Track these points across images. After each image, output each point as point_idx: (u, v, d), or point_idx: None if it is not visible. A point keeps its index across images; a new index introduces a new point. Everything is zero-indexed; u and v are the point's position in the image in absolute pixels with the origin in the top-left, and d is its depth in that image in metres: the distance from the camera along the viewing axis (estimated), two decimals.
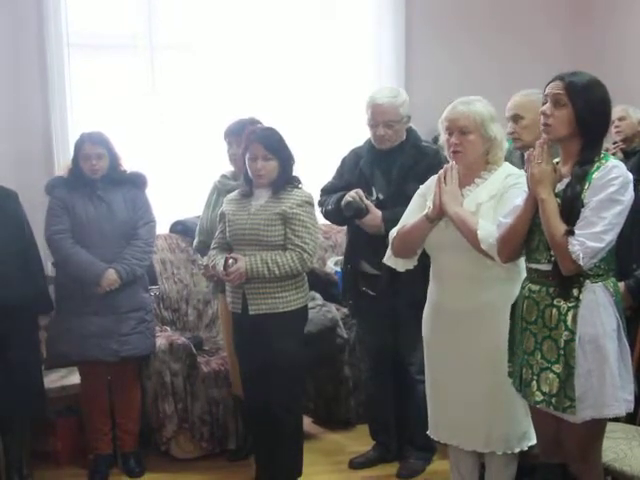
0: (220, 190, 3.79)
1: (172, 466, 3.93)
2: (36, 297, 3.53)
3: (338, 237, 4.82)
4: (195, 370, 3.96)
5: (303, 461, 3.51)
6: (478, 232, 2.73)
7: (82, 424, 3.94)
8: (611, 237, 2.34)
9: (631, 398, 2.43)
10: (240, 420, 4.03)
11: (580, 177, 2.39)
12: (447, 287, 2.95)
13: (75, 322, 3.64)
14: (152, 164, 4.54)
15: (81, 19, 4.61)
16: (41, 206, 3.81)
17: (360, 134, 3.79)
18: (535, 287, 2.51)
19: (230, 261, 3.28)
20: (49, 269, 4.19)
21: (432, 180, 3.01)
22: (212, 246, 3.50)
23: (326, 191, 3.78)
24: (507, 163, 2.99)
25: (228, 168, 3.86)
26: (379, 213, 3.52)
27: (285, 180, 3.34)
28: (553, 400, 2.42)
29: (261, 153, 3.28)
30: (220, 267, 3.32)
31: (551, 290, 2.45)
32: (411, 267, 3.08)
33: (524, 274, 2.63)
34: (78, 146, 3.72)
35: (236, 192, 3.48)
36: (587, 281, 2.40)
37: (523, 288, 2.58)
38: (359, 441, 4.10)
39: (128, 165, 3.84)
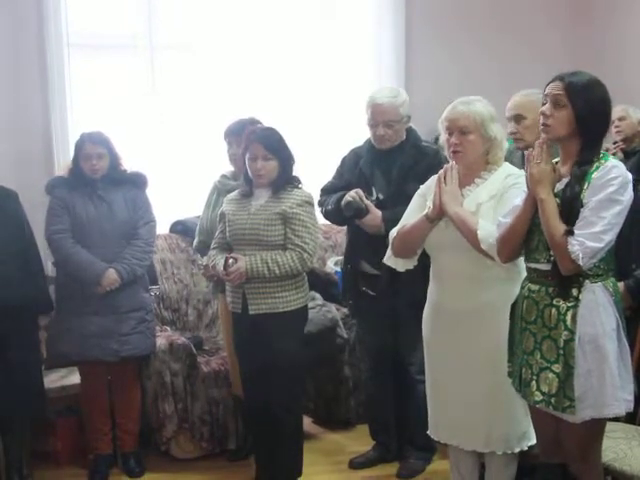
0: (220, 190, 3.79)
1: (172, 466, 3.93)
2: (36, 297, 3.53)
3: (338, 237, 4.82)
4: (195, 370, 3.96)
5: (303, 461, 3.51)
6: (478, 232, 2.74)
7: (82, 424, 3.94)
8: (610, 237, 2.34)
9: (631, 398, 2.43)
10: (240, 420, 4.03)
11: (579, 177, 2.39)
12: (447, 287, 2.95)
13: (75, 322, 3.64)
14: (152, 164, 4.54)
15: (81, 19, 4.61)
16: (41, 206, 3.81)
17: (360, 134, 3.79)
18: (534, 287, 2.51)
19: (230, 261, 3.28)
20: (49, 269, 4.19)
21: (432, 180, 3.01)
22: (212, 246, 3.51)
23: (326, 191, 3.78)
24: (507, 163, 2.99)
25: (228, 168, 3.86)
26: (379, 213, 3.52)
27: (285, 180, 3.34)
28: (552, 400, 2.42)
29: (261, 153, 3.28)
30: (220, 267, 3.32)
31: (550, 290, 2.45)
32: (411, 267, 3.08)
33: (524, 274, 2.63)
34: (78, 146, 3.72)
35: (236, 192, 3.48)
36: (586, 281, 2.40)
37: (523, 288, 2.58)
38: (359, 441, 4.10)
39: (128, 165, 3.84)
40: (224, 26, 4.91)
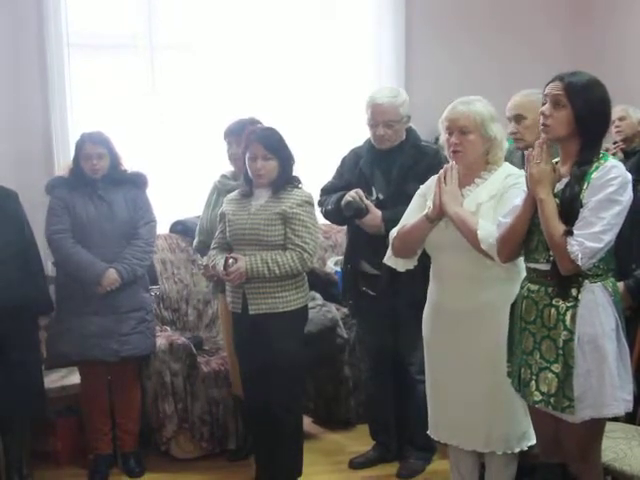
0: (220, 190, 3.79)
1: (172, 466, 3.93)
2: (36, 297, 3.53)
3: (338, 237, 4.83)
4: (195, 370, 3.96)
5: (303, 461, 3.51)
6: (478, 232, 2.74)
7: (82, 424, 3.94)
8: (610, 237, 2.34)
9: (630, 398, 2.43)
10: (240, 420, 4.03)
11: (579, 177, 2.39)
12: (447, 287, 2.95)
13: (75, 322, 3.65)
14: (152, 164, 4.54)
15: (81, 19, 4.61)
16: (41, 206, 3.81)
17: (360, 134, 3.79)
18: (534, 287, 2.51)
19: (230, 261, 3.28)
20: (49, 269, 4.19)
21: (432, 180, 3.01)
22: (212, 246, 3.51)
23: (326, 191, 3.78)
24: (507, 163, 2.99)
25: (228, 168, 3.86)
26: (379, 213, 3.52)
27: (285, 180, 3.34)
28: (552, 400, 2.42)
29: (261, 153, 3.28)
30: (220, 267, 3.32)
31: (550, 290, 2.45)
32: (411, 267, 3.08)
33: (524, 274, 2.63)
34: (79, 146, 3.72)
35: (236, 192, 3.48)
36: (586, 281, 2.40)
37: (522, 288, 2.58)
38: (359, 441, 4.10)
39: (129, 165, 3.84)
40: (224, 26, 4.91)
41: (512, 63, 5.32)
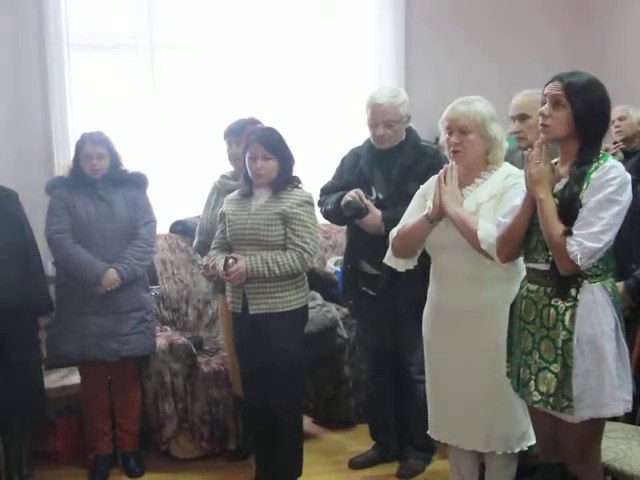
0: (220, 190, 3.79)
1: (172, 466, 3.93)
2: (36, 297, 3.53)
3: (338, 237, 4.83)
4: (195, 370, 3.96)
5: (303, 461, 3.51)
6: (478, 232, 2.74)
7: (82, 424, 3.95)
8: (609, 237, 2.34)
9: (629, 398, 2.43)
10: (240, 420, 4.03)
11: (578, 177, 2.39)
12: (447, 287, 2.95)
13: (75, 322, 3.65)
14: (152, 164, 4.54)
15: (81, 19, 4.61)
16: (41, 206, 3.81)
17: (360, 134, 3.79)
18: (533, 287, 2.51)
19: (230, 261, 3.29)
20: (49, 269, 4.19)
21: (432, 180, 3.01)
22: (212, 246, 3.51)
23: (326, 191, 3.78)
24: (507, 163, 2.99)
25: (228, 168, 3.86)
26: (379, 213, 3.52)
27: (285, 180, 3.35)
28: (551, 400, 2.42)
29: (261, 153, 3.29)
30: (220, 267, 3.32)
31: (549, 290, 2.45)
32: (411, 267, 3.08)
33: (524, 274, 2.63)
34: (79, 146, 3.72)
35: (236, 192, 3.48)
36: (585, 281, 2.40)
37: (521, 288, 2.58)
38: (359, 441, 4.10)
39: (129, 165, 3.84)
40: (224, 26, 4.91)
41: (512, 63, 5.32)
